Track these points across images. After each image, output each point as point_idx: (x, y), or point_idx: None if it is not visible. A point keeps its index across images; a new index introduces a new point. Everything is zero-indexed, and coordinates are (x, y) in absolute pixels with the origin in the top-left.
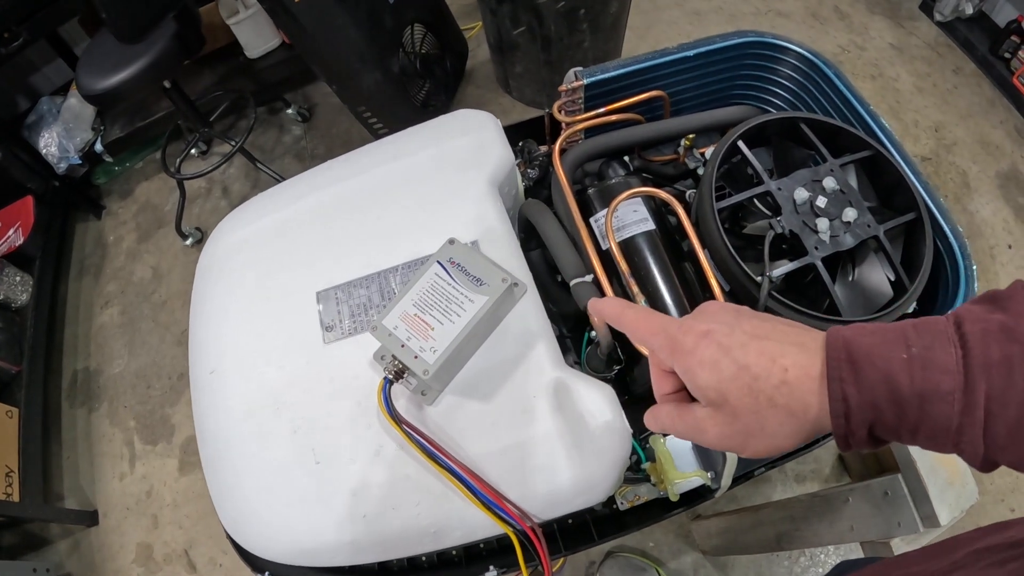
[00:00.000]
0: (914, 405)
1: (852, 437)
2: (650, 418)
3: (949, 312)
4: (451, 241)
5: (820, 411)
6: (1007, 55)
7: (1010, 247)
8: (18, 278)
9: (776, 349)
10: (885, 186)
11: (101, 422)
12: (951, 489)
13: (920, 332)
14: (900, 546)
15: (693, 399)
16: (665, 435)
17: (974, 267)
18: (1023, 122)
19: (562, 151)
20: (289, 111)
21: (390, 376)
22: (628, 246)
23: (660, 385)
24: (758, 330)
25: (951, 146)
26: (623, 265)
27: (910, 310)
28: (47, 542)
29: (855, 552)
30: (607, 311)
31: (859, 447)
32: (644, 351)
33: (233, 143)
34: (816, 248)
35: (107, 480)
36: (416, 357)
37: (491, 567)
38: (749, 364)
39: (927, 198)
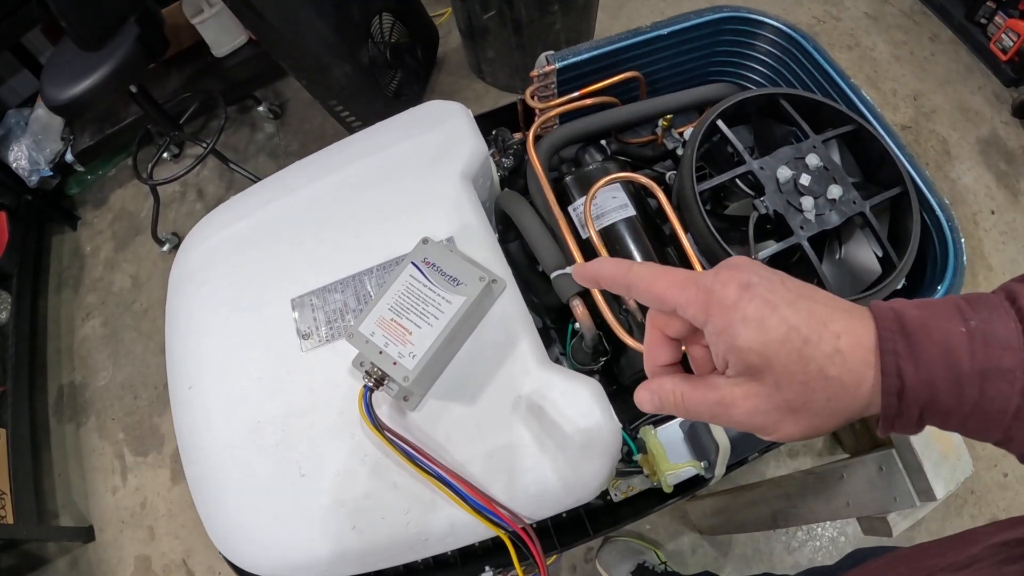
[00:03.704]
0: (974, 384)
1: (901, 419)
2: (646, 395)
3: (996, 288)
4: (425, 240)
5: (873, 387)
6: (983, 21)
7: (993, 212)
8: None
9: (826, 312)
10: (869, 161)
11: (90, 436)
12: (946, 463)
13: (975, 305)
14: (897, 520)
15: (691, 372)
16: (652, 418)
17: (962, 240)
18: (1001, 87)
19: (537, 138)
20: (260, 109)
21: (370, 384)
22: (608, 234)
23: (657, 354)
24: (802, 289)
25: (930, 114)
26: (604, 254)
27: (899, 286)
28: (45, 561)
29: (851, 527)
30: (606, 273)
31: (904, 430)
32: (622, 335)
33: (205, 145)
34: (801, 228)
35: (100, 494)
36: (395, 364)
37: (487, 567)
38: (799, 325)
39: (912, 171)
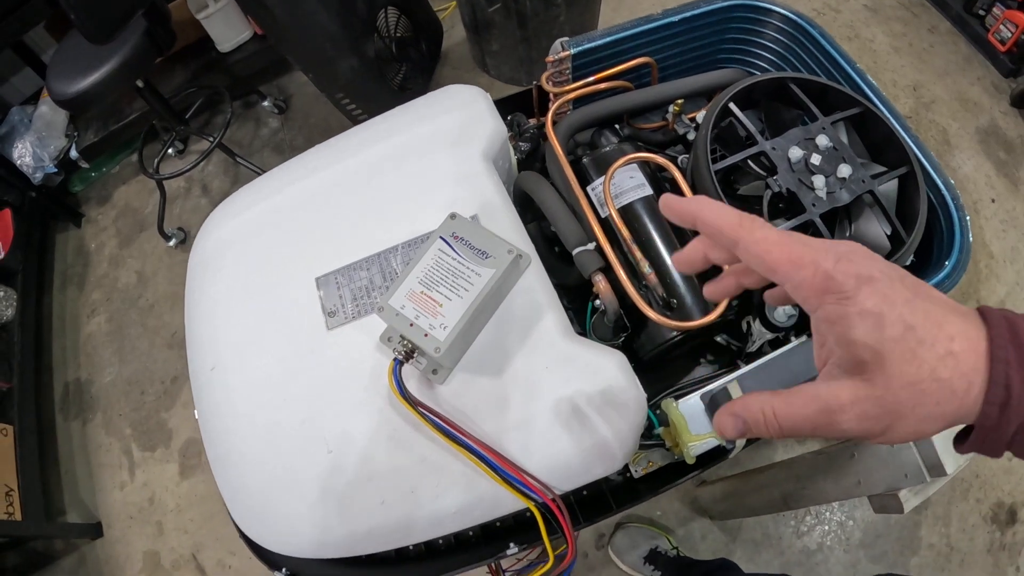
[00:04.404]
0: None
1: (995, 433)
2: (729, 420)
3: None
4: (452, 216)
5: (978, 395)
6: (981, 12)
7: (993, 201)
8: (1, 293)
9: (940, 313)
10: (875, 142)
11: (97, 433)
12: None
13: None
14: (908, 497)
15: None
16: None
17: (967, 218)
18: (999, 78)
19: (553, 123)
20: (265, 104)
21: (400, 357)
22: (627, 213)
23: (690, 261)
24: (918, 288)
25: (930, 104)
26: (624, 232)
27: (908, 262)
28: (52, 559)
29: (859, 511)
30: (709, 217)
31: (990, 449)
32: (644, 308)
33: (211, 139)
34: (813, 205)
35: (108, 491)
36: (426, 335)
37: (511, 544)
38: (916, 325)
39: (917, 152)
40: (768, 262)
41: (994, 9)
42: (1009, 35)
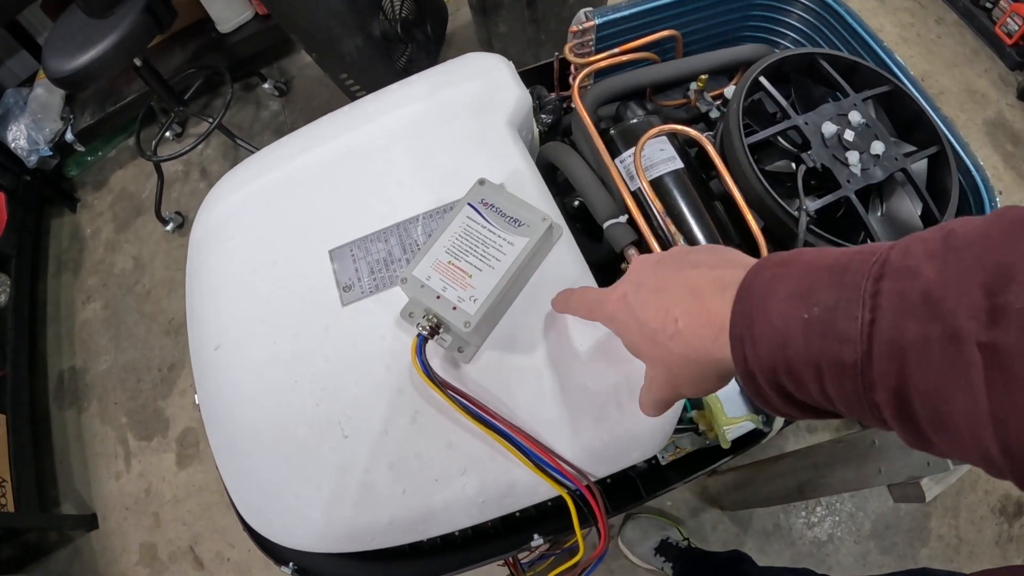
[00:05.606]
0: (810, 377)
1: (770, 402)
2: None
3: (887, 248)
4: (481, 181)
5: (722, 359)
6: (988, 5)
7: (1000, 193)
8: None
9: (669, 301)
10: (904, 121)
11: (92, 422)
12: None
13: (833, 285)
14: (930, 485)
15: None
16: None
17: (997, 199)
18: (1006, 71)
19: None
20: (265, 86)
21: (424, 333)
22: (658, 186)
23: None
24: (661, 283)
25: (937, 95)
26: (657, 204)
27: None
28: (46, 551)
29: (871, 503)
30: (560, 307)
31: (789, 415)
32: None
33: (210, 121)
34: (848, 181)
35: (103, 481)
36: (455, 308)
37: (535, 535)
38: (646, 320)
39: (947, 132)
40: (582, 317)
41: (1001, 2)
42: (1016, 28)
